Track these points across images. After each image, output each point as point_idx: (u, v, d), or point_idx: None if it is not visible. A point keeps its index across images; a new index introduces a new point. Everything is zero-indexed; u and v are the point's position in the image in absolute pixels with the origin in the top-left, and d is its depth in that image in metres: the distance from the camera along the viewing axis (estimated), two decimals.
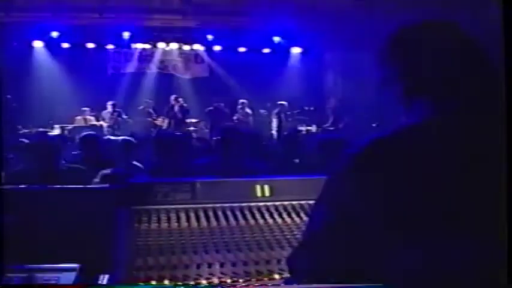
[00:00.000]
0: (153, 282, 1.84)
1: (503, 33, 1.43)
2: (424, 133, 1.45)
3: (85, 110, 14.04)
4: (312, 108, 15.62)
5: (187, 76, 16.94)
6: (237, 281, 1.89)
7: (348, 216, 1.42)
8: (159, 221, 2.26)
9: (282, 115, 14.57)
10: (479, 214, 1.36)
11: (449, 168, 1.38)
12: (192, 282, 1.86)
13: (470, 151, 1.39)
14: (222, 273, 1.92)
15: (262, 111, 15.21)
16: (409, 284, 1.39)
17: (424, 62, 1.52)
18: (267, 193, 2.48)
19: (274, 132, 13.86)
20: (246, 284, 1.87)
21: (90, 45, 15.59)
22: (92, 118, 14.12)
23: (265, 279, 1.92)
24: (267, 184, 2.50)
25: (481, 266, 1.34)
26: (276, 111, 14.72)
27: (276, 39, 16.27)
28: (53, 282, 1.93)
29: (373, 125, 11.97)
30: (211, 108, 14.76)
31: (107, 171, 4.30)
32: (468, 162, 1.38)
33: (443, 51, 1.50)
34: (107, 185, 3.39)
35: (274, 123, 14.48)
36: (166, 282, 1.85)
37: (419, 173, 1.38)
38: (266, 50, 16.69)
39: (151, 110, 14.80)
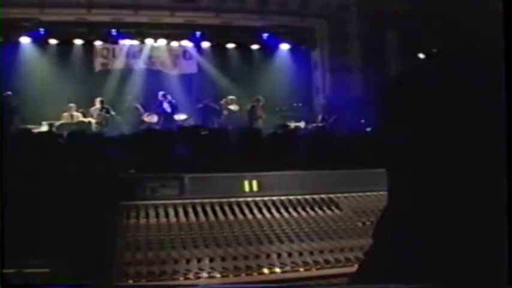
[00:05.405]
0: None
1: (503, 33, 1.44)
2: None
3: (71, 107, 13.93)
4: (300, 105, 15.66)
5: (175, 72, 16.89)
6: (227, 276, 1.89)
7: None
8: (147, 216, 2.26)
9: (258, 109, 14.58)
10: (479, 213, 1.37)
11: (448, 165, 1.39)
12: (181, 278, 1.87)
13: (470, 151, 1.40)
14: (211, 268, 1.92)
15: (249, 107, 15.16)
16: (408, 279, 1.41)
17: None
18: (255, 188, 2.49)
19: (247, 126, 13.79)
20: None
21: (78, 42, 15.50)
22: (79, 114, 14.02)
23: (255, 273, 1.93)
24: (255, 179, 2.51)
25: (481, 266, 1.35)
26: (250, 105, 14.72)
27: (265, 35, 16.25)
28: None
29: (361, 121, 12.02)
30: (201, 105, 14.74)
31: None
32: (467, 162, 1.39)
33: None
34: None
35: (248, 117, 14.53)
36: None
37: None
38: (254, 47, 16.67)
39: (139, 106, 14.74)
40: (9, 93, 12.79)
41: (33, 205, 2.42)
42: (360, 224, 2.34)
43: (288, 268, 1.95)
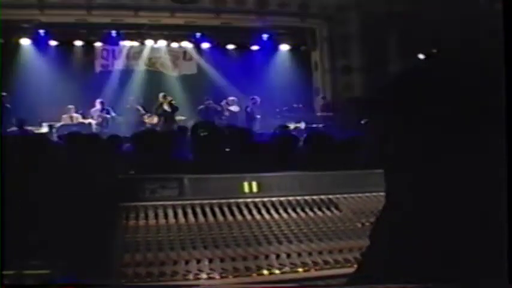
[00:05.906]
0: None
1: (503, 33, 1.44)
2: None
3: (70, 108, 13.92)
4: (300, 106, 15.65)
5: (175, 73, 16.89)
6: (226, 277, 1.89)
7: None
8: (146, 217, 2.26)
9: (253, 110, 14.63)
10: (479, 213, 1.36)
11: (447, 165, 1.39)
12: (180, 279, 1.87)
13: (470, 152, 1.39)
14: (210, 269, 1.92)
15: (249, 108, 15.18)
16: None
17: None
18: (254, 189, 2.49)
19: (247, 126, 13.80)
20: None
21: (78, 43, 15.50)
22: (79, 116, 14.01)
23: (254, 274, 1.92)
24: (254, 180, 2.51)
25: (482, 266, 1.35)
26: (247, 106, 14.76)
27: (265, 36, 16.24)
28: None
29: (362, 122, 12.00)
30: (202, 106, 14.75)
31: None
32: (467, 162, 1.38)
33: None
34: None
35: (244, 117, 14.57)
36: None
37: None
38: (254, 47, 16.66)
39: (140, 108, 14.73)
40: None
41: (33, 206, 2.42)
42: (359, 225, 2.34)
43: (287, 269, 1.95)
